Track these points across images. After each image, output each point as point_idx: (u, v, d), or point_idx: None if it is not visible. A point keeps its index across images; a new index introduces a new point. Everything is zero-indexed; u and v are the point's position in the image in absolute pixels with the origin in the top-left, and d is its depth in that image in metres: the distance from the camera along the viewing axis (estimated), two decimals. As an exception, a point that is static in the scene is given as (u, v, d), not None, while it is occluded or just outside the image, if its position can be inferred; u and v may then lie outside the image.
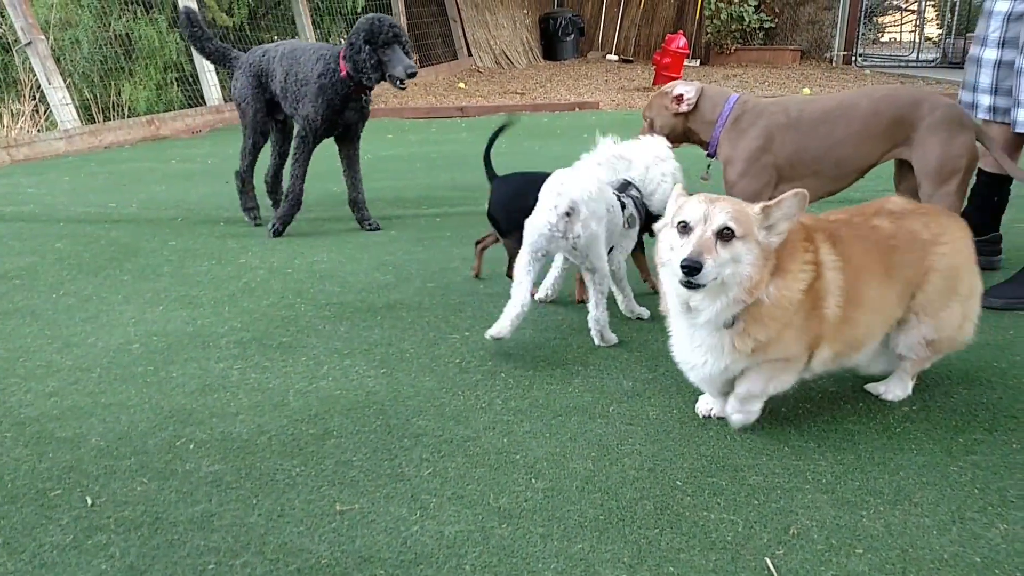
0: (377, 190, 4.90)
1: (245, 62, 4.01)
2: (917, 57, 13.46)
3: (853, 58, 12.45)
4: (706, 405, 2.15)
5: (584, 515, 1.72)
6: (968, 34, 12.04)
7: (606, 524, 1.70)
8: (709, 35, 12.38)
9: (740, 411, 2.02)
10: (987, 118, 3.04)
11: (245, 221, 4.23)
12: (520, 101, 9.28)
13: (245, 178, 4.18)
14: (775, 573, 1.54)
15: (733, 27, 12.13)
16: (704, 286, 1.74)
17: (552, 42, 13.42)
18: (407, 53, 3.60)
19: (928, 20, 14.47)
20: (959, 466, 1.89)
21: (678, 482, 1.84)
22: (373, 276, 3.29)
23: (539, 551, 1.61)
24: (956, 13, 12.74)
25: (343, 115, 3.78)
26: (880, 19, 17.28)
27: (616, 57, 13.20)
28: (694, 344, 1.94)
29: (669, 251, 1.82)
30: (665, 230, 1.87)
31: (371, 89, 3.77)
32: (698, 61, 12.53)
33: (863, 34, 13.65)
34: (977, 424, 2.08)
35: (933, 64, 12.64)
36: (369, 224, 4.07)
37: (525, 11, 13.25)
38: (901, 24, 17.06)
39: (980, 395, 2.22)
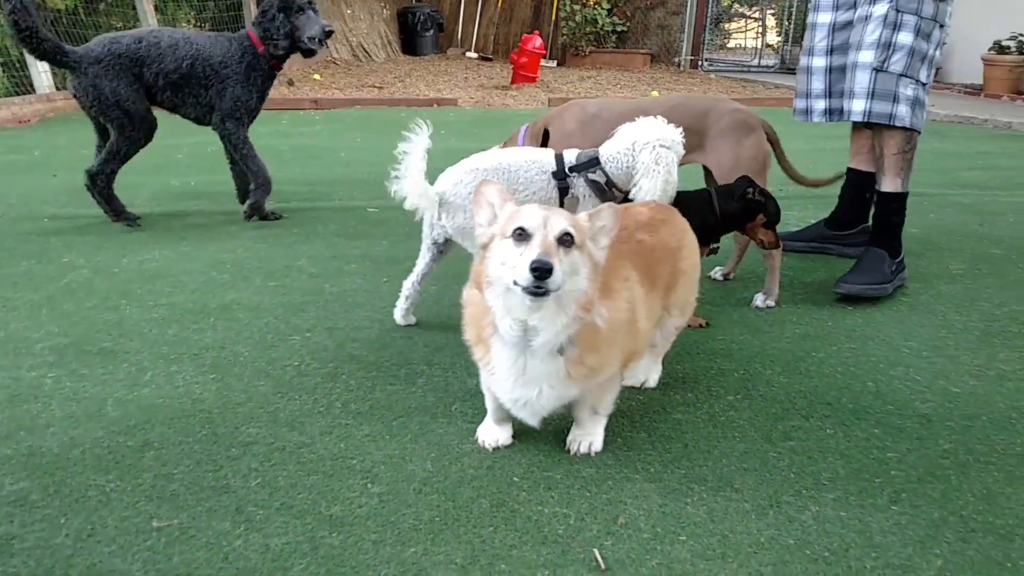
0: (219, 184, 4.67)
1: (109, 55, 3.56)
2: (759, 63, 14.29)
3: (700, 63, 13.06)
4: (492, 437, 1.99)
5: (419, 518, 1.70)
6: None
7: (441, 526, 1.68)
8: (565, 36, 12.64)
9: (587, 437, 1.97)
10: (823, 121, 3.28)
11: (110, 223, 3.85)
12: (378, 95, 9.13)
13: (109, 182, 3.79)
14: (602, 564, 1.57)
15: (587, 29, 12.44)
16: (553, 293, 1.60)
17: (411, 37, 13.29)
18: (316, 12, 3.74)
19: (769, 28, 15.37)
20: (778, 452, 2.00)
21: (515, 478, 1.85)
22: (208, 275, 3.13)
23: (370, 558, 1.57)
24: (793, 22, 13.60)
25: (266, 93, 3.90)
26: (726, 26, 18.19)
27: (476, 54, 13.24)
28: (526, 376, 1.76)
29: (501, 265, 1.65)
30: (495, 244, 1.69)
31: (283, 62, 3.87)
32: (555, 62, 12.76)
33: (710, 40, 14.35)
34: (795, 411, 2.21)
35: (773, 69, 13.44)
36: (272, 213, 4.06)
37: (383, 4, 13.06)
38: (745, 31, 18.02)
39: (799, 383, 2.36)
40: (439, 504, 1.75)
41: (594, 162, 2.57)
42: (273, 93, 8.82)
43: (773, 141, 3.13)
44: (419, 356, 2.48)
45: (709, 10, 13.17)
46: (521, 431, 2.03)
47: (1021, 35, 10.04)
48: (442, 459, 1.92)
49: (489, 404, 1.98)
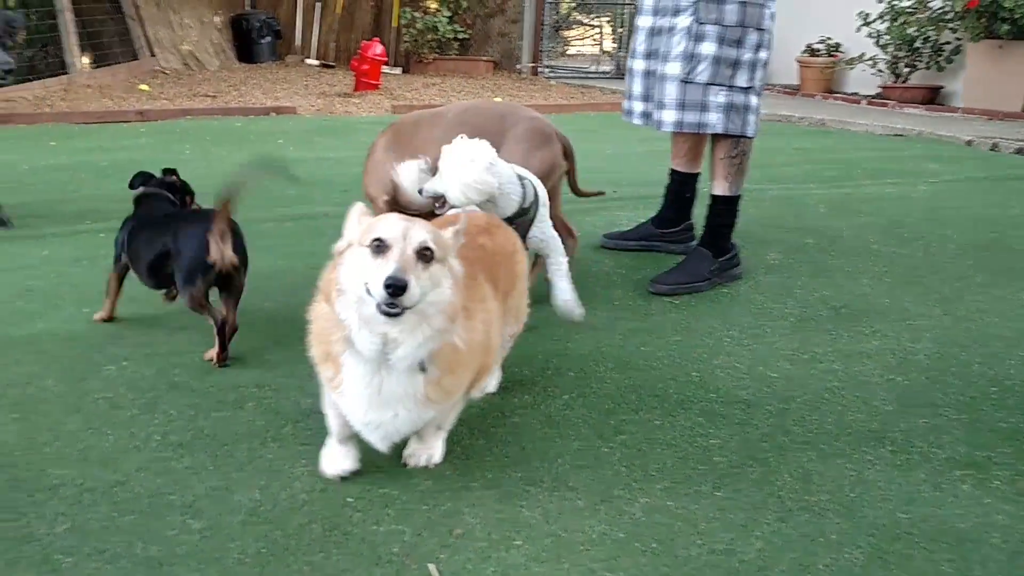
0: (32, 204, 4.31)
1: None
2: (596, 69, 14.76)
3: (540, 69, 13.34)
4: (336, 465, 1.87)
5: (245, 551, 1.61)
6: (636, 49, 13.46)
7: (269, 557, 1.60)
8: (407, 43, 12.57)
9: (426, 450, 1.92)
10: (641, 123, 3.38)
11: None
12: (211, 104, 8.72)
13: None
14: (438, 579, 1.56)
15: (429, 37, 12.42)
16: (407, 310, 1.53)
17: (247, 44, 12.78)
18: (5, 48, 3.48)
19: (606, 35, 15.92)
20: (610, 447, 2.06)
21: (349, 499, 1.80)
22: (14, 305, 2.86)
23: (189, 599, 1.48)
24: (627, 28, 14.15)
25: None
26: (565, 33, 18.70)
27: (317, 62, 12.93)
28: (381, 397, 1.67)
29: (357, 276, 1.57)
30: (350, 252, 1.62)
31: None
32: (400, 69, 12.67)
33: (551, 47, 14.69)
34: (626, 406, 2.28)
35: (609, 75, 13.93)
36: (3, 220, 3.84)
37: (214, 11, 12.51)
38: (583, 38, 18.59)
39: (629, 378, 2.44)
40: (267, 534, 1.67)
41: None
42: (93, 106, 8.26)
43: (568, 155, 3.14)
44: (249, 379, 2.37)
45: (547, 18, 13.48)
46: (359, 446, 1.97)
47: (830, 39, 10.91)
48: (271, 486, 1.84)
49: (332, 424, 1.86)
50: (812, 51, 11.09)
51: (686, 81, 3.09)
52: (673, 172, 3.66)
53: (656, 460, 2.00)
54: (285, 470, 1.90)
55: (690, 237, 3.71)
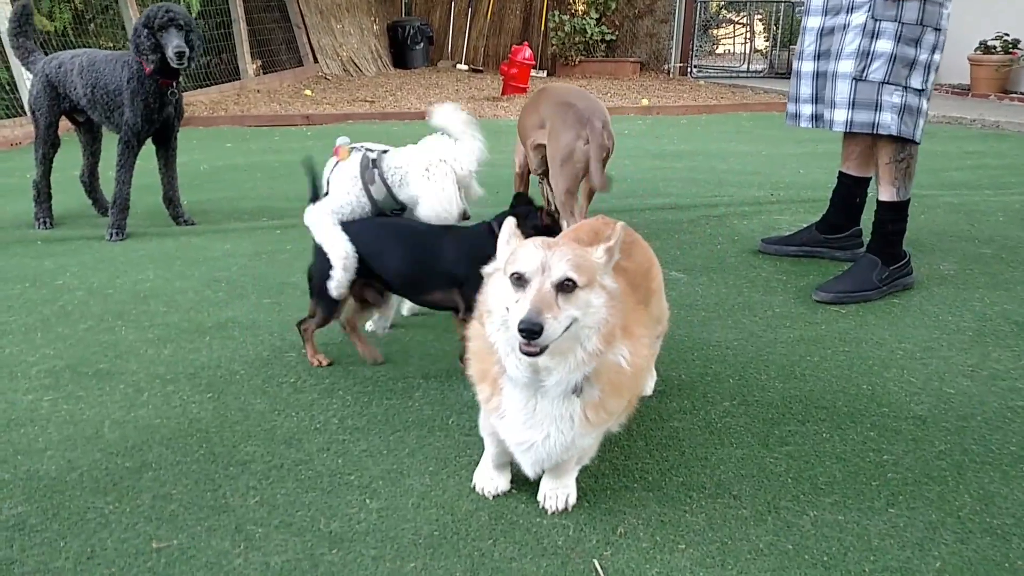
0: (212, 201, 4.69)
1: (40, 71, 4.04)
2: (747, 68, 14.35)
3: (689, 69, 13.12)
4: (492, 484, 1.85)
5: (419, 532, 1.70)
6: (792, 46, 12.96)
7: (440, 540, 1.68)
8: (554, 47, 12.69)
9: (563, 489, 1.81)
10: (809, 126, 3.28)
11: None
12: (370, 109, 9.15)
13: (40, 188, 4.17)
14: (602, 574, 1.58)
15: (576, 39, 12.49)
16: (546, 349, 1.47)
17: (402, 50, 13.33)
18: (188, 38, 3.77)
19: (757, 33, 15.44)
20: (775, 457, 2.01)
21: (513, 490, 1.85)
22: (203, 294, 3.13)
23: (370, 574, 1.57)
24: (781, 26, 13.68)
25: (162, 112, 3.93)
26: (715, 32, 18.27)
27: (466, 66, 13.29)
28: (535, 418, 1.62)
29: (502, 306, 1.53)
30: (496, 279, 1.58)
31: (177, 79, 3.91)
32: (545, 72, 12.81)
33: (699, 46, 14.41)
34: (791, 416, 2.21)
35: (761, 74, 13.51)
36: (184, 220, 4.20)
37: (373, 19, 13.11)
38: (734, 37, 18.10)
39: (794, 388, 2.37)
40: (438, 518, 1.75)
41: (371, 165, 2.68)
42: (263, 110, 8.86)
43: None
44: (415, 369, 2.48)
45: (697, 17, 13.24)
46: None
47: (1006, 35, 10.11)
48: (440, 472, 1.92)
49: (489, 448, 1.83)
50: (986, 48, 10.31)
51: (858, 79, 2.97)
52: (842, 175, 3.52)
53: (825, 474, 1.94)
54: (452, 458, 1.99)
55: (857, 244, 3.55)
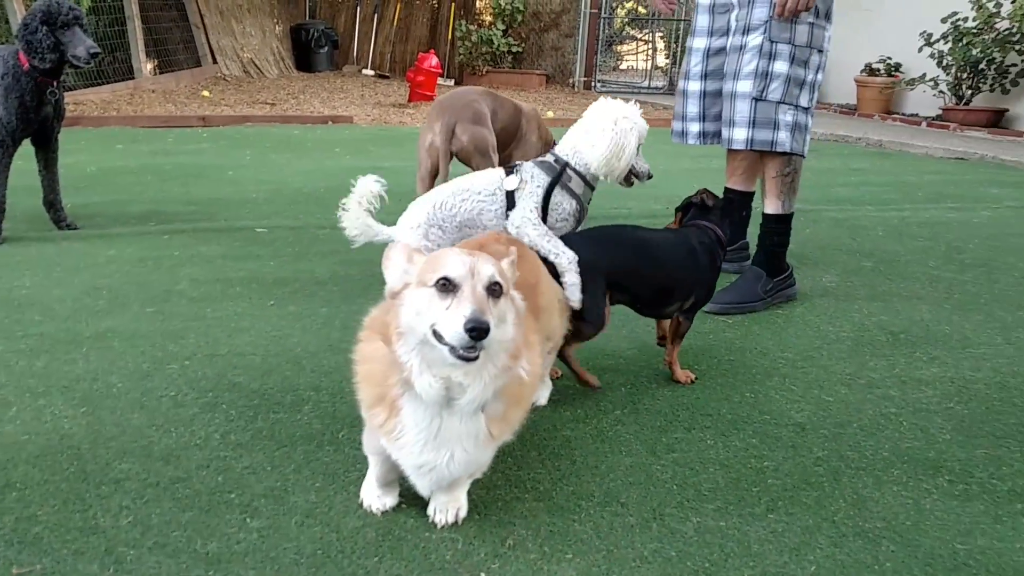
0: (99, 205, 4.46)
1: None
2: (649, 84, 14.74)
3: (593, 83, 13.37)
4: (380, 501, 1.80)
5: (301, 551, 1.65)
6: (690, 65, 13.39)
7: (324, 558, 1.63)
8: (461, 56, 12.70)
9: (454, 503, 1.77)
10: (697, 143, 3.39)
11: None
12: (270, 112, 8.92)
13: None
14: (489, 588, 1.57)
15: (483, 50, 12.55)
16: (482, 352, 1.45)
17: (306, 53, 13.06)
18: (87, 35, 3.61)
19: (659, 50, 15.88)
20: (662, 464, 2.05)
21: (403, 504, 1.82)
22: (83, 302, 2.97)
23: (247, 595, 1.51)
24: (680, 44, 14.10)
25: (39, 111, 3.69)
26: (619, 48, 18.68)
27: (372, 72, 13.14)
28: (438, 438, 1.57)
29: (423, 318, 1.46)
30: (409, 292, 1.51)
31: (58, 78, 3.69)
32: (452, 81, 12.81)
33: (603, 62, 14.71)
34: (679, 423, 2.27)
35: (662, 91, 13.89)
36: (66, 224, 3.98)
37: (275, 20, 12.80)
38: (637, 53, 18.56)
39: (682, 396, 2.43)
40: (322, 536, 1.70)
41: (558, 167, 2.63)
42: (157, 110, 8.52)
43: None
44: (305, 382, 2.42)
45: (602, 32, 13.52)
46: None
47: (889, 58, 10.73)
48: (327, 489, 1.88)
49: (376, 467, 1.78)
50: (871, 70, 10.92)
51: (758, 99, 3.09)
52: (727, 191, 3.64)
53: (708, 480, 1.99)
54: (340, 473, 1.94)
55: (744, 257, 3.68)
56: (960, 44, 9.39)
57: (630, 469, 2.02)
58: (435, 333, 1.45)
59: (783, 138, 3.11)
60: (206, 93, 10.01)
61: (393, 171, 6.16)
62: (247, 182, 5.24)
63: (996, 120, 9.63)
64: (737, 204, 3.64)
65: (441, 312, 1.44)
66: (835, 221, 4.82)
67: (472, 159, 3.70)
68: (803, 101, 3.13)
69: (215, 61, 11.44)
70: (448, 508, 1.76)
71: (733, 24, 3.15)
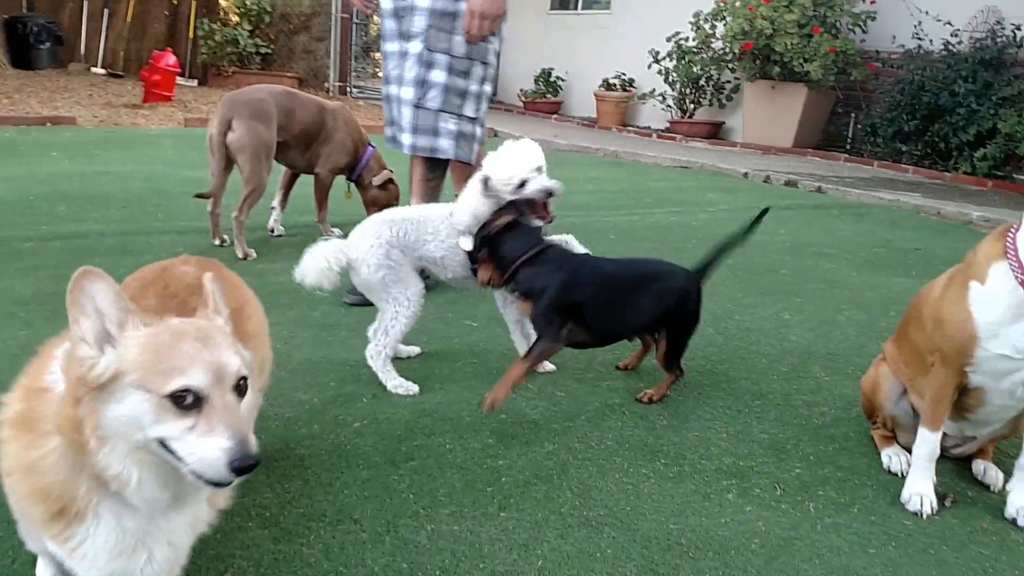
0: None
1: None
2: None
3: (348, 89, 13.18)
4: None
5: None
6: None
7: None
8: (204, 55, 11.97)
9: None
10: (391, 147, 3.42)
11: None
12: (-25, 113, 7.85)
13: None
14: (201, 630, 1.44)
15: (229, 50, 11.91)
16: None
17: (24, 50, 11.63)
18: None
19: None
20: (400, 474, 2.02)
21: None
22: None
23: None
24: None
25: None
26: (376, 55, 18.60)
27: (103, 71, 11.98)
28: (142, 541, 1.24)
29: (140, 430, 1.12)
30: (122, 391, 1.12)
31: None
32: (196, 81, 12.03)
33: (361, 68, 14.52)
34: (419, 431, 2.25)
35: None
36: None
37: (-18, 10, 11.29)
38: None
39: (423, 402, 2.42)
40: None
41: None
42: None
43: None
44: None
45: (355, 38, 13.35)
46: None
47: (624, 74, 11.60)
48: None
49: (47, 568, 1.50)
50: (608, 85, 11.74)
51: (417, 106, 3.17)
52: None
53: (445, 485, 1.99)
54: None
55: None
56: (683, 62, 10.36)
57: (366, 483, 1.97)
58: (166, 446, 1.13)
59: (445, 145, 3.22)
60: None
61: (121, 176, 5.69)
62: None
63: (715, 132, 10.75)
64: None
65: (179, 431, 1.11)
66: (571, 227, 5.05)
67: (240, 156, 3.65)
68: (468, 111, 3.23)
69: (-98, 53, 9.87)
70: None
71: (403, 29, 3.19)
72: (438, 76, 3.10)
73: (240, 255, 3.68)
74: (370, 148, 4.15)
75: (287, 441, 2.13)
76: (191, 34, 12.13)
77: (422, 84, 3.11)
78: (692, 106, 10.83)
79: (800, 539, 1.88)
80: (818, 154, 9.45)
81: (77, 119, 8.10)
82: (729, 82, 10.50)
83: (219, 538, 1.70)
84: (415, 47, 3.11)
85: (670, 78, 10.68)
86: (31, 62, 11.68)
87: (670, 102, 10.89)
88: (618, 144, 9.71)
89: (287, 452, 2.08)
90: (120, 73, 12.10)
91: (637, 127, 11.47)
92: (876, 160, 8.94)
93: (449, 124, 3.17)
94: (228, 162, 3.73)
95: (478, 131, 3.29)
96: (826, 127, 10.02)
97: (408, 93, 3.16)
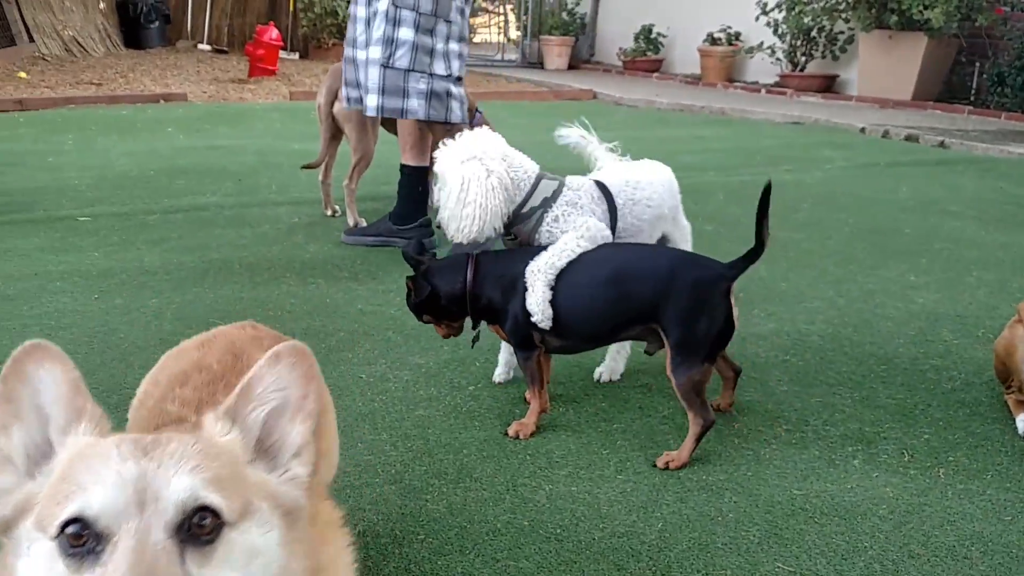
0: None
1: None
2: (502, 57, 14.73)
3: (445, 56, 13.22)
4: None
5: None
6: (542, 36, 13.48)
7: None
8: (305, 28, 12.24)
9: None
10: (347, 108, 3.43)
11: None
12: (96, 92, 8.27)
13: None
14: None
15: (328, 21, 12.12)
16: None
17: (134, 29, 12.17)
18: None
19: (512, 23, 15.87)
20: (515, 442, 2.03)
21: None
22: None
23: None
24: (530, 17, 14.16)
25: None
26: (472, 21, 18.60)
27: (209, 47, 12.43)
28: None
29: None
30: (27, 541, 0.75)
31: None
32: (297, 55, 12.32)
33: (457, 34, 14.49)
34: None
35: (516, 64, 13.92)
36: None
37: (99, -7, 11.87)
38: (489, 26, 18.51)
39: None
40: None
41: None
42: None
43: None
44: (134, 379, 2.23)
45: (450, 5, 13.36)
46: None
47: (730, 27, 11.19)
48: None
49: None
50: (713, 40, 11.36)
51: (385, 66, 3.11)
52: (402, 167, 3.49)
53: (560, 447, 2.00)
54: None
55: (428, 233, 3.52)
56: (793, 12, 9.89)
57: (484, 443, 2.00)
58: None
59: (414, 106, 3.16)
60: (23, 74, 9.16)
61: (233, 150, 5.89)
62: (69, 168, 4.83)
63: (828, 85, 10.26)
64: (413, 179, 3.50)
65: None
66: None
67: (347, 125, 3.64)
68: (438, 69, 3.17)
69: (32, 40, 10.49)
70: None
71: None
72: (406, 33, 3.07)
73: (351, 223, 3.77)
74: (478, 113, 4.15)
75: (407, 402, 2.18)
76: (291, 7, 12.40)
77: (390, 43, 3.08)
78: (803, 59, 10.34)
79: (930, 505, 1.80)
80: (939, 107, 8.88)
81: (188, 95, 8.44)
82: (843, 32, 9.97)
83: (350, 492, 1.76)
84: (383, 5, 3.08)
85: (779, 30, 10.21)
86: (141, 41, 12.22)
87: (780, 55, 10.42)
88: (724, 101, 9.41)
89: (408, 413, 2.12)
90: (225, 49, 12.52)
91: (744, 83, 11.07)
92: (1004, 112, 8.34)
93: (420, 84, 3.13)
94: (336, 132, 3.80)
95: (455, 89, 3.23)
96: (948, 78, 9.40)
97: (376, 53, 3.11)
